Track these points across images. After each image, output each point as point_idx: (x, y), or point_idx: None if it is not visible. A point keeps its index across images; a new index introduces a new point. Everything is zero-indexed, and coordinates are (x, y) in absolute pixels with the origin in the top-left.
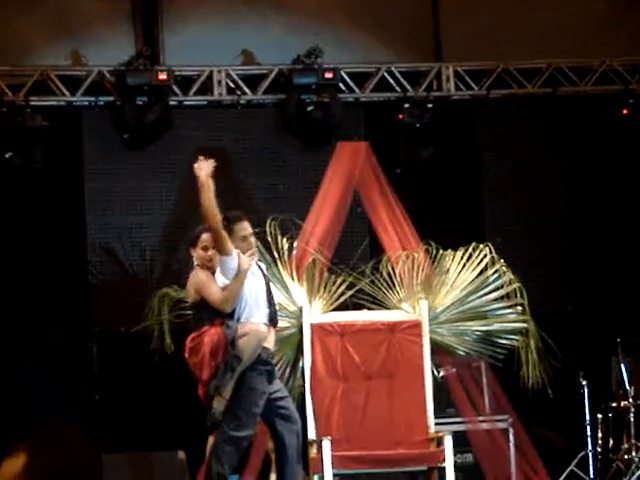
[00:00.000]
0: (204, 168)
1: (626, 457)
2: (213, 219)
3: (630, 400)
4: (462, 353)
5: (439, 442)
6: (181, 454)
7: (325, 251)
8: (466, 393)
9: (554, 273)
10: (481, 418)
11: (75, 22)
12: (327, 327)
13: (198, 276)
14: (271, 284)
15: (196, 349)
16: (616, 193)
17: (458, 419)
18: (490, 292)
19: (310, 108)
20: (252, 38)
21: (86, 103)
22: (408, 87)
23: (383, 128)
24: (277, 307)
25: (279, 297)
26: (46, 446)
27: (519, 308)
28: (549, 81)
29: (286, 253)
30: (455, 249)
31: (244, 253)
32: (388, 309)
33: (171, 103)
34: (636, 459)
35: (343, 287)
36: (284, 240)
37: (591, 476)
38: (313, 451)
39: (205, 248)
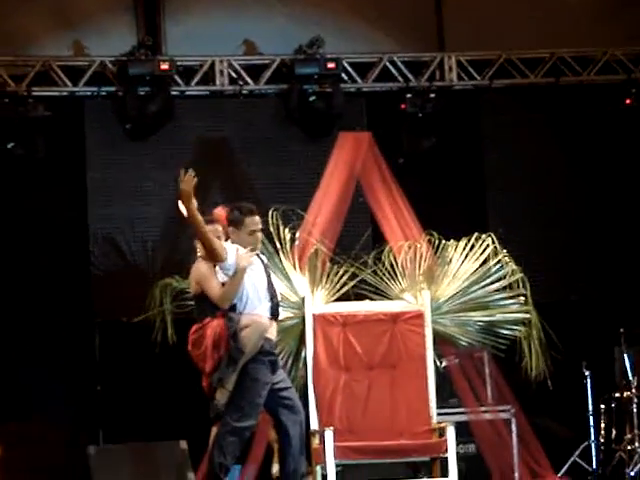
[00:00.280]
0: (187, 183)
1: (629, 448)
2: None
3: (633, 390)
4: (464, 344)
5: (441, 432)
6: (183, 444)
7: (327, 241)
8: (468, 383)
9: (557, 263)
10: (483, 408)
11: (77, 12)
12: (329, 317)
13: (200, 269)
14: (273, 276)
15: (199, 341)
16: (619, 183)
17: (460, 409)
18: (493, 282)
19: (312, 98)
20: (254, 28)
21: (88, 93)
22: (410, 77)
23: (385, 118)
24: (279, 298)
25: (281, 287)
26: (20, 442)
27: (522, 298)
28: (552, 71)
29: (288, 243)
30: (457, 239)
31: (249, 246)
32: (390, 299)
33: (173, 93)
34: (639, 449)
35: (345, 277)
36: (286, 230)
37: (594, 467)
38: (315, 441)
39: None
